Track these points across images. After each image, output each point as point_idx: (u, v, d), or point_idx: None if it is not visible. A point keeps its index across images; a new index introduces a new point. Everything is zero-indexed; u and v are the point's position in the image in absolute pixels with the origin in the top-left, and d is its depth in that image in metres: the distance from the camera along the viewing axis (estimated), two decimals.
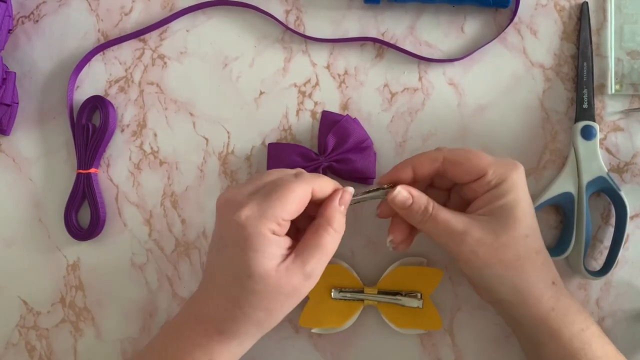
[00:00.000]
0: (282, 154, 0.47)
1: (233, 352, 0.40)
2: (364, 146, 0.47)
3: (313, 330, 0.47)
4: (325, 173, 0.47)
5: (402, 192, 0.41)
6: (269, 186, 0.39)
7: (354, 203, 0.42)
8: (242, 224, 0.37)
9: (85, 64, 0.50)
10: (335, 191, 0.41)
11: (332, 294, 0.47)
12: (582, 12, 0.48)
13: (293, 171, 0.41)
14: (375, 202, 0.43)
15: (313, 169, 0.47)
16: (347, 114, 0.48)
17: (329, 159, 0.47)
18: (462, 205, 0.43)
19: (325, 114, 0.48)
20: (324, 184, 0.40)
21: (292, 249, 0.39)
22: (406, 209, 0.41)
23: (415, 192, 0.41)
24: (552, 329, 0.41)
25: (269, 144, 0.48)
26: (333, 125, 0.47)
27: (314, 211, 0.41)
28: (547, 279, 0.41)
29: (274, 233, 0.38)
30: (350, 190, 0.41)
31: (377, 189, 0.43)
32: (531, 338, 0.42)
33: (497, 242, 0.39)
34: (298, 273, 0.38)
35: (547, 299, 0.41)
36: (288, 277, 0.38)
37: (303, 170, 0.42)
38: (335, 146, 0.47)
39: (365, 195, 0.42)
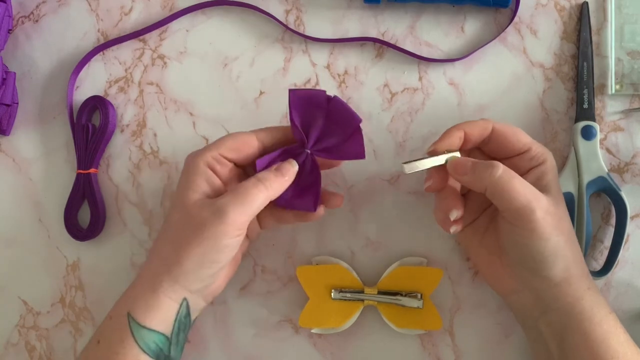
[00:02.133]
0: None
1: (152, 304, 0.40)
2: (350, 131, 0.42)
3: (313, 331, 0.47)
4: (312, 162, 0.43)
5: (466, 160, 0.41)
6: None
7: (412, 171, 0.41)
8: (187, 160, 0.42)
9: (85, 64, 0.50)
10: (282, 158, 0.42)
11: (332, 294, 0.46)
12: (582, 12, 0.48)
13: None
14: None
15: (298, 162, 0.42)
16: (324, 92, 0.42)
17: (314, 149, 0.43)
18: None
19: (296, 93, 0.42)
20: (272, 132, 0.43)
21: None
22: (472, 173, 0.41)
23: (475, 160, 0.42)
24: (585, 310, 0.40)
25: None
26: (309, 108, 0.42)
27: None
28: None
29: (208, 166, 0.41)
30: (293, 162, 0.42)
31: (437, 155, 0.42)
32: (558, 325, 0.41)
33: (558, 212, 0.40)
34: (209, 207, 0.39)
35: (586, 276, 0.41)
36: (198, 209, 0.39)
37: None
38: (319, 136, 0.43)
39: (424, 161, 0.42)
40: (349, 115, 0.42)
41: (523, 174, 0.41)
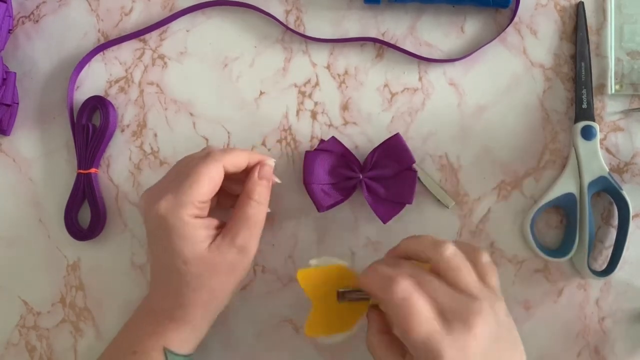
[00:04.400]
0: (321, 162, 0.47)
1: (189, 336, 0.42)
2: (405, 169, 0.46)
3: (321, 340, 0.44)
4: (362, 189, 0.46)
5: (373, 266, 0.39)
6: (182, 172, 0.40)
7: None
8: (163, 216, 0.39)
9: (85, 64, 0.50)
10: (256, 164, 0.42)
11: (338, 296, 0.43)
12: (578, 12, 0.48)
13: (202, 152, 0.42)
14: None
15: (350, 185, 0.46)
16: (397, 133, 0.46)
17: (366, 175, 0.46)
18: None
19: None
20: (234, 159, 0.41)
21: (221, 227, 0.41)
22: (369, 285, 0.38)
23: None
24: None
25: (306, 152, 0.46)
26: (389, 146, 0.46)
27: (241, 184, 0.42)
28: None
29: (196, 217, 0.39)
30: (270, 162, 0.42)
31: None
32: None
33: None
34: (231, 248, 0.39)
35: None
36: (222, 255, 0.39)
37: (213, 147, 0.43)
38: (375, 164, 0.47)
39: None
40: (405, 153, 0.46)
41: None
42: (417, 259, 0.39)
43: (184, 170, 0.40)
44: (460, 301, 0.35)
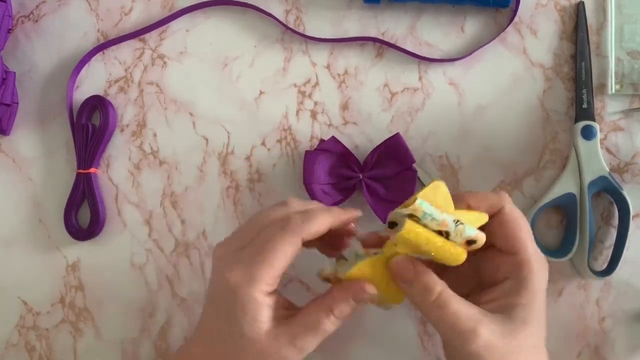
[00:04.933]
0: (321, 162, 0.47)
1: None
2: (405, 169, 0.46)
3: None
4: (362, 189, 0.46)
5: (405, 260, 0.36)
6: (256, 243, 0.37)
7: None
8: (232, 289, 0.36)
9: (85, 63, 0.50)
10: (351, 286, 0.37)
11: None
12: (579, 12, 0.48)
13: (280, 215, 0.38)
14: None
15: (350, 185, 0.46)
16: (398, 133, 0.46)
17: (366, 175, 0.46)
18: (470, 276, 0.40)
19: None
20: (316, 229, 0.37)
21: (289, 308, 0.38)
22: (406, 282, 0.37)
23: (421, 265, 0.36)
24: None
25: (306, 152, 0.47)
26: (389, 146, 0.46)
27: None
28: None
29: (266, 293, 0.36)
30: (370, 290, 0.37)
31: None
32: None
33: (506, 347, 0.35)
34: (288, 345, 0.36)
35: None
36: (278, 347, 0.36)
37: (293, 208, 0.39)
38: (375, 163, 0.47)
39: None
40: (405, 153, 0.46)
41: (496, 280, 0.37)
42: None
43: (258, 240, 0.37)
44: None
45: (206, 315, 0.39)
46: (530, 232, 0.37)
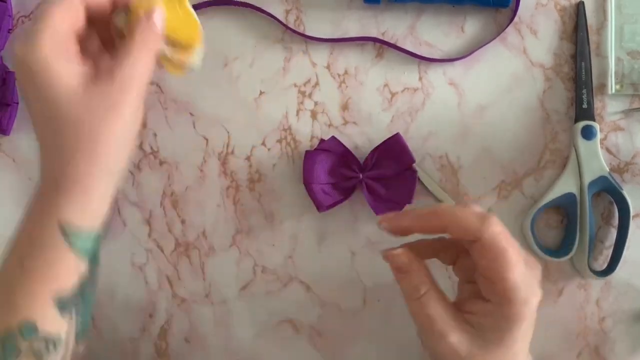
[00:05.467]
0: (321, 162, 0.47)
1: (85, 204, 0.36)
2: (405, 169, 0.46)
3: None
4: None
5: (402, 255, 0.37)
6: (35, 15, 0.37)
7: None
8: (21, 58, 0.35)
9: None
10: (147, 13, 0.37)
11: None
12: (579, 12, 0.48)
13: None
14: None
15: (350, 184, 0.47)
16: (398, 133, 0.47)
17: (366, 175, 0.46)
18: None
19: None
20: None
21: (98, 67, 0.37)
22: (400, 276, 0.37)
23: (416, 265, 0.37)
24: None
25: (306, 152, 0.47)
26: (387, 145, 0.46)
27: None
28: None
29: (59, 55, 0.35)
30: (160, 15, 0.38)
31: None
32: None
33: (481, 358, 0.35)
34: (110, 83, 0.36)
35: None
36: (100, 92, 0.35)
37: None
38: (375, 164, 0.47)
39: None
40: (405, 153, 0.46)
41: (482, 295, 0.36)
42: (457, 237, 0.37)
43: (36, 12, 0.37)
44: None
45: (33, 123, 0.37)
46: (515, 257, 0.34)
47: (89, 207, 0.37)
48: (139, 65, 0.37)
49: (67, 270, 0.36)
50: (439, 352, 0.36)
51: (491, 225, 0.34)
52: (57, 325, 0.36)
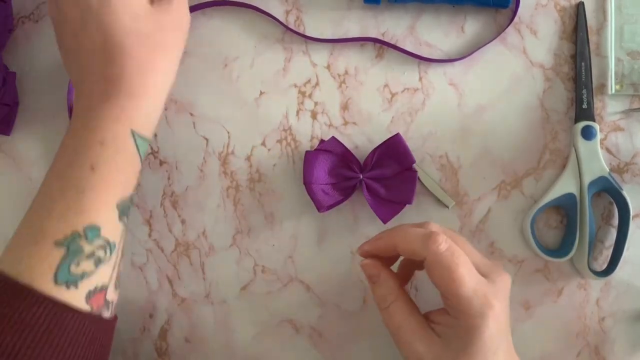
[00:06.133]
0: (321, 161, 0.47)
1: (150, 112, 0.40)
2: (405, 169, 0.46)
3: None
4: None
5: (370, 265, 0.40)
6: None
7: None
8: None
9: None
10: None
11: None
12: (579, 12, 0.48)
13: None
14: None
15: (350, 185, 0.47)
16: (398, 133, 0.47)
17: (366, 175, 0.46)
18: None
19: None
20: None
21: None
22: (371, 285, 0.40)
23: (385, 273, 0.39)
24: None
25: (306, 152, 0.47)
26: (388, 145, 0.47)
27: None
28: None
29: None
30: None
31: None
32: None
33: None
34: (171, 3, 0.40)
35: None
36: (168, 11, 0.40)
37: None
38: (375, 164, 0.47)
39: None
40: (405, 153, 0.46)
41: (447, 324, 0.37)
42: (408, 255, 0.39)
43: None
44: (486, 258, 0.38)
45: (74, 52, 0.40)
46: (464, 272, 0.35)
47: (152, 116, 0.40)
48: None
49: (133, 176, 0.40)
50: (408, 359, 0.38)
51: (433, 244, 0.35)
52: (115, 230, 0.38)
